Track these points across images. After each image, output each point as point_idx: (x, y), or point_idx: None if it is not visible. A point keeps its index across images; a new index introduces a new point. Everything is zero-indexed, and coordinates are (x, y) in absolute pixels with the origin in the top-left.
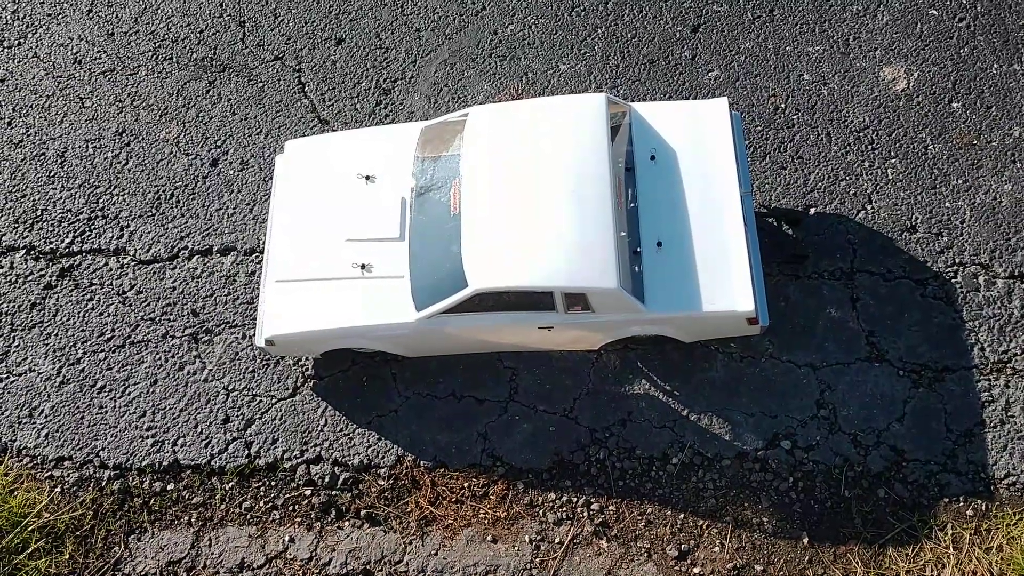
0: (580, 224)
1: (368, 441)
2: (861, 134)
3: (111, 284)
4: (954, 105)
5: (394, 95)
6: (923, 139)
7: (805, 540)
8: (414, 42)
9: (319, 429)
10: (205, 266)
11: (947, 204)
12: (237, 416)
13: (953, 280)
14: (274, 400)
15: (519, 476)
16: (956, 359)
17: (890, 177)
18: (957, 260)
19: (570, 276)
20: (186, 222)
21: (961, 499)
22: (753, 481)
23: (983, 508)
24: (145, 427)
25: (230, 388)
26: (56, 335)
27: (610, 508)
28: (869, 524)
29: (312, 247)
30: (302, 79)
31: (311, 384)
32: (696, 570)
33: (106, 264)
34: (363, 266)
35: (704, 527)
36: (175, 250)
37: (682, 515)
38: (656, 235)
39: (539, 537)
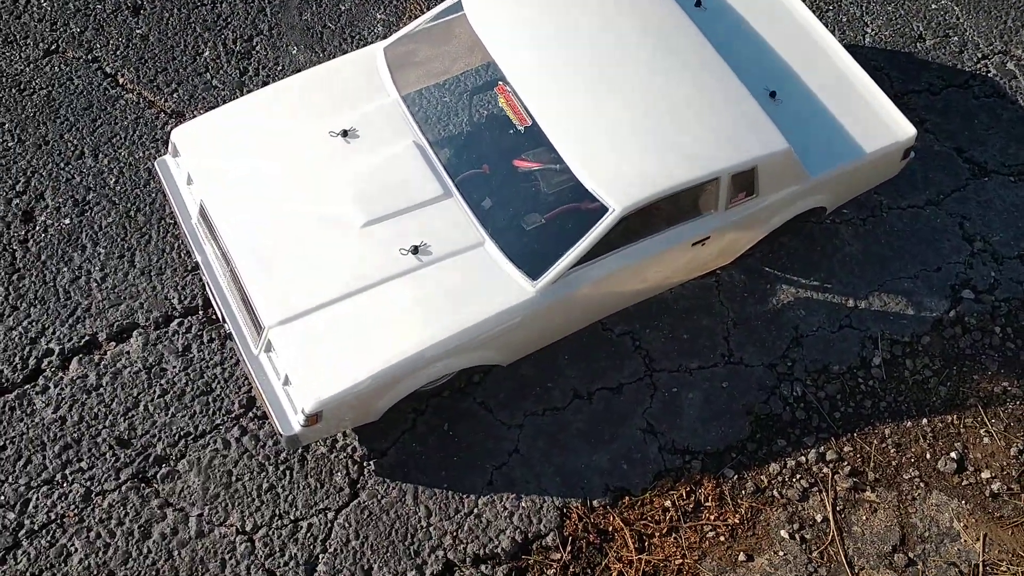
0: (703, 89)
1: (505, 508)
2: None
3: None
4: None
5: (258, 56)
6: None
7: None
8: None
9: (423, 524)
10: (97, 367)
11: (932, 7)
12: (286, 565)
13: (990, 75)
14: (331, 514)
15: (722, 461)
16: None
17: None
18: (980, 55)
19: (737, 149)
20: (27, 313)
21: None
22: (965, 347)
23: None
24: None
25: (247, 528)
26: None
27: (846, 449)
28: None
29: (314, 252)
30: (106, 69)
31: (372, 468)
32: (985, 475)
33: None
34: (415, 249)
35: (954, 421)
36: (28, 362)
37: (924, 420)
38: (761, 86)
39: (795, 526)
